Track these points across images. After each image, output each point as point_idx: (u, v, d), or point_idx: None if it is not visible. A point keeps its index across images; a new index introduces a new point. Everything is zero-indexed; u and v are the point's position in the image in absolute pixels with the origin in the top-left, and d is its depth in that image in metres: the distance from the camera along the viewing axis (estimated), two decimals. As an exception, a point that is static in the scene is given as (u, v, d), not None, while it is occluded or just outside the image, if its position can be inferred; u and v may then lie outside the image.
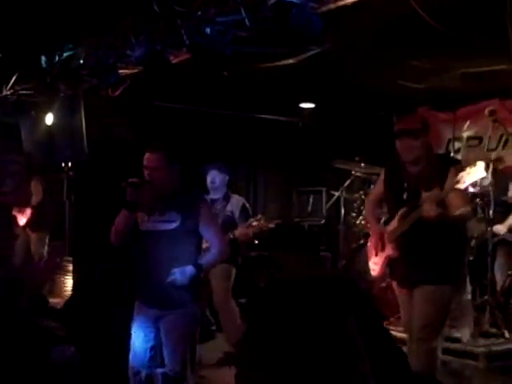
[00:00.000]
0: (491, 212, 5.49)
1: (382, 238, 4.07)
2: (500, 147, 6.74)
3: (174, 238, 3.69)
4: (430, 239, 3.77)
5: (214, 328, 6.23)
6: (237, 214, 5.71)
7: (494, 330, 5.13)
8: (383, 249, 4.06)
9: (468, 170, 3.50)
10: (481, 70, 5.88)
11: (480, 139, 6.85)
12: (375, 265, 4.15)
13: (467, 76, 6.10)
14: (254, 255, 7.70)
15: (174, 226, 3.70)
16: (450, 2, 4.10)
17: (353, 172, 7.15)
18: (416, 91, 6.65)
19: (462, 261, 4.17)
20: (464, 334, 5.00)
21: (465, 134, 6.45)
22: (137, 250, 3.86)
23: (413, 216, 3.76)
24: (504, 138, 6.67)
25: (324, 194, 8.50)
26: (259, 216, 5.66)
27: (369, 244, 4.26)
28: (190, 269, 3.64)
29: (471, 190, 5.28)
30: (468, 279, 4.97)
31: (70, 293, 7.07)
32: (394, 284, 4.10)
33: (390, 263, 4.04)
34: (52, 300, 6.62)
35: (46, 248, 7.25)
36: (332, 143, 8.27)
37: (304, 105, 8.00)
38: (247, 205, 5.88)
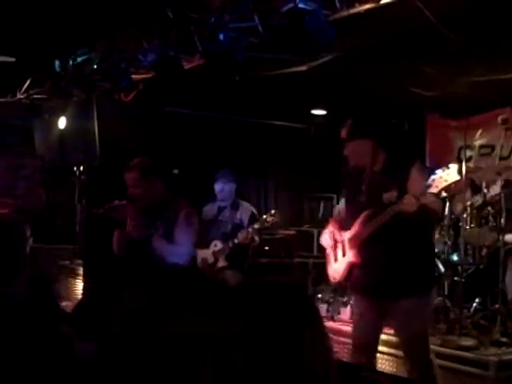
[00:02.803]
0: (503, 221, 5.46)
1: (342, 242, 3.84)
2: (513, 156, 6.72)
3: (160, 244, 3.93)
4: (396, 246, 3.57)
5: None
6: (246, 222, 5.72)
7: (504, 339, 5.09)
8: (344, 254, 3.83)
9: (440, 173, 3.39)
10: (493, 77, 5.86)
11: (492, 148, 6.82)
12: (335, 272, 3.90)
13: (479, 84, 6.09)
14: (265, 262, 7.71)
15: (158, 234, 3.95)
16: (463, 9, 4.09)
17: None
18: (427, 98, 6.64)
19: (432, 267, 4.05)
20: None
21: (477, 143, 6.42)
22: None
23: (378, 219, 3.57)
24: (517, 147, 6.65)
25: (335, 201, 8.48)
26: (273, 212, 5.68)
27: (327, 249, 4.00)
28: None
29: (478, 199, 5.24)
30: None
31: (80, 296, 7.08)
32: (358, 296, 3.88)
33: (353, 272, 3.79)
34: (62, 304, 6.64)
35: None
36: (343, 150, 8.25)
37: (316, 111, 8.00)
38: (256, 213, 5.88)
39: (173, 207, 4.03)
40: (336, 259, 3.92)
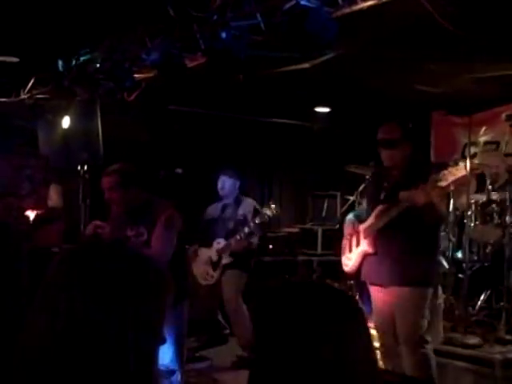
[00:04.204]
0: (508, 218, 5.45)
1: (357, 234, 4.11)
2: (517, 152, 6.69)
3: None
4: (406, 239, 3.81)
5: (226, 332, 6.24)
6: (249, 218, 5.72)
7: (509, 337, 5.08)
8: (358, 245, 4.09)
9: (450, 168, 3.59)
10: (497, 74, 5.84)
11: (497, 144, 6.80)
12: (348, 260, 4.17)
13: (483, 80, 6.07)
14: (268, 260, 7.70)
15: (143, 238, 3.95)
16: (467, 4, 4.08)
17: (367, 177, 7.12)
18: (432, 95, 6.63)
19: (436, 262, 4.24)
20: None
21: (481, 139, 6.40)
22: None
23: (391, 212, 3.82)
24: (521, 143, 6.62)
25: (339, 199, 8.47)
26: (271, 203, 5.71)
27: (345, 240, 4.27)
28: None
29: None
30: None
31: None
32: (368, 285, 4.12)
33: (364, 262, 4.05)
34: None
35: None
36: (347, 148, 8.25)
37: (319, 109, 7.99)
38: (258, 207, 5.88)
39: (155, 210, 4.02)
40: (350, 249, 4.16)
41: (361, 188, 7.31)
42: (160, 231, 3.93)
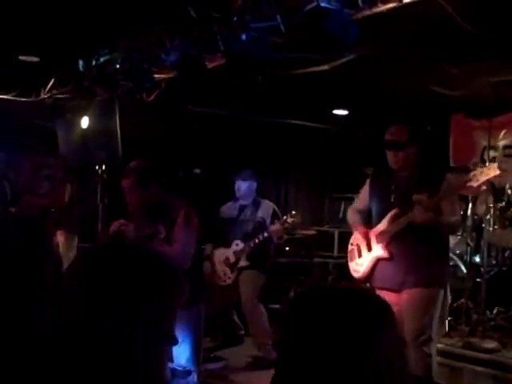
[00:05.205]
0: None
1: (367, 238, 4.04)
2: (537, 156, 6.64)
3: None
4: (419, 241, 3.79)
5: (242, 332, 6.25)
6: (268, 220, 5.72)
7: (528, 342, 5.05)
8: (369, 250, 4.02)
9: (480, 168, 3.55)
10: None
11: (516, 148, 6.75)
12: (359, 266, 4.09)
13: (503, 83, 6.02)
14: (285, 262, 7.70)
15: (162, 236, 3.99)
16: (487, 7, 4.05)
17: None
18: (451, 98, 6.59)
19: (447, 263, 4.22)
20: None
21: (501, 143, 6.36)
22: None
23: (403, 220, 3.80)
24: (541, 148, 6.57)
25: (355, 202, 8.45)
26: (293, 213, 5.66)
27: (351, 246, 4.21)
28: None
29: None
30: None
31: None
32: (378, 291, 3.99)
33: (376, 267, 3.99)
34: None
35: (74, 252, 7.28)
36: (364, 150, 8.22)
37: (337, 111, 7.98)
38: (277, 210, 5.88)
39: (171, 208, 4.05)
40: (360, 255, 4.08)
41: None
42: (181, 228, 3.96)
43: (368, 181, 4.25)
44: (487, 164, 3.64)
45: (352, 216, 4.38)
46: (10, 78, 5.88)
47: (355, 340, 1.18)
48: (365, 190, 4.26)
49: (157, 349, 1.22)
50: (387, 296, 3.91)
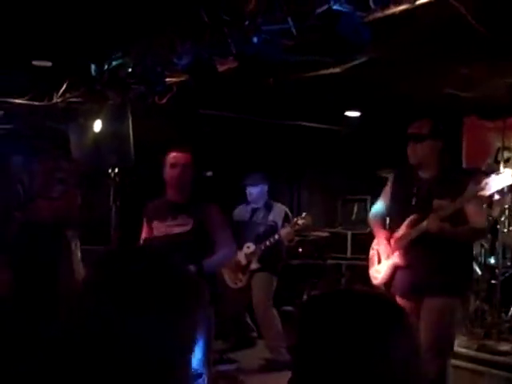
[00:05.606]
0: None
1: (388, 243, 3.92)
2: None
3: (187, 239, 3.94)
4: (437, 249, 3.66)
5: (255, 335, 6.24)
6: (280, 224, 5.72)
7: (543, 345, 5.01)
8: (388, 256, 3.89)
9: (493, 176, 3.41)
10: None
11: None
12: (377, 273, 3.97)
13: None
14: (298, 263, 7.69)
15: (187, 228, 3.96)
16: (500, 8, 4.03)
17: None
18: (464, 100, 6.55)
19: (468, 272, 4.05)
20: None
21: (515, 144, 6.33)
22: None
23: (420, 227, 3.68)
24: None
25: (369, 203, 8.43)
26: (304, 214, 5.64)
27: (372, 251, 4.08)
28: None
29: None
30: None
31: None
32: (398, 298, 3.89)
33: (396, 274, 3.87)
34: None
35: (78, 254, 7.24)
36: (377, 152, 8.20)
37: (349, 113, 7.96)
38: (289, 213, 5.88)
39: (200, 204, 4.10)
40: (379, 261, 3.97)
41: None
42: (223, 229, 4.04)
43: (389, 182, 4.15)
44: (501, 170, 3.52)
45: (373, 219, 4.26)
46: (23, 82, 5.91)
47: (371, 345, 1.18)
48: (386, 191, 4.16)
49: (182, 357, 1.24)
50: (407, 305, 3.76)
